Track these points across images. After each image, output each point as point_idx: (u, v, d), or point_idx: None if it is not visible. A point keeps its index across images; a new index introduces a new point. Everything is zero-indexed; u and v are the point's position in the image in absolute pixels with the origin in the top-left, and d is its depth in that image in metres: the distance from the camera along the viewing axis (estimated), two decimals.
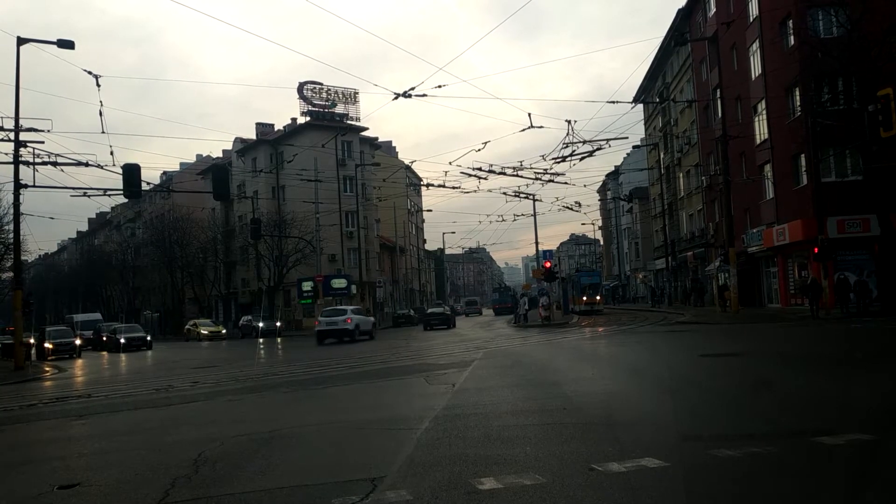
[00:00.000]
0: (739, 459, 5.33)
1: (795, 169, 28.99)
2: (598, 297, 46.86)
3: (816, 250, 24.81)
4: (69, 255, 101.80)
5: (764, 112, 31.73)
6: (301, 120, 55.98)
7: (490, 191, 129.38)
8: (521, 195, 33.05)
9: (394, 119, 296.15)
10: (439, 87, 23.07)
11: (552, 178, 27.50)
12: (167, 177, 67.70)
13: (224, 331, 48.83)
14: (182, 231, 61.55)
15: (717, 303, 35.54)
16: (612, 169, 78.85)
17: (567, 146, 24.79)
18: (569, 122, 24.35)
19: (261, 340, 40.69)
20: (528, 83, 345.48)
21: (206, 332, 46.75)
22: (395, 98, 21.92)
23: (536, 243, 41.94)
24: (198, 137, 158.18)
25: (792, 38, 28.16)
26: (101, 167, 22.15)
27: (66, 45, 22.46)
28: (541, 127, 24.57)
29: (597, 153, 25.04)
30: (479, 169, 26.22)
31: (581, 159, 25.18)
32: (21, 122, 22.39)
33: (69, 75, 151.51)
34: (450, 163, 31.98)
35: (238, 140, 62.12)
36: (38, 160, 22.12)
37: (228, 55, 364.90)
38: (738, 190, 32.45)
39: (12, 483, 6.45)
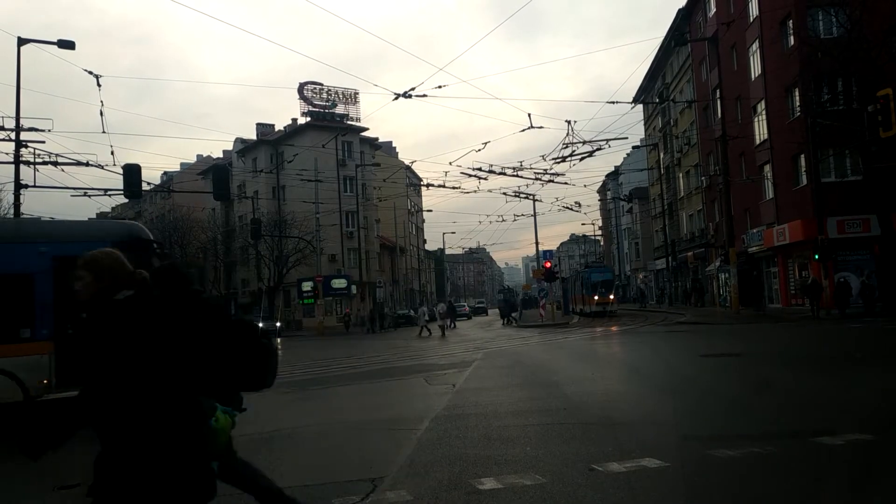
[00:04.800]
0: (739, 459, 5.33)
1: (795, 169, 28.98)
2: (611, 297, 40.12)
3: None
4: None
5: (764, 112, 31.72)
6: (301, 120, 56.00)
7: (490, 191, 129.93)
8: (521, 195, 33.10)
9: (394, 119, 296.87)
10: (439, 87, 23.21)
11: (552, 178, 27.54)
12: (167, 177, 67.77)
13: None
14: (182, 231, 61.47)
15: (718, 302, 35.54)
16: (612, 169, 78.85)
17: (567, 146, 24.82)
18: (569, 122, 24.42)
19: None
20: (528, 83, 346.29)
21: None
22: (396, 98, 21.91)
23: (536, 243, 41.94)
24: (198, 137, 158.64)
25: (792, 38, 28.15)
26: (102, 167, 22.15)
27: (67, 45, 22.41)
28: (541, 127, 24.64)
29: (596, 153, 25.09)
30: (479, 169, 26.26)
31: (581, 159, 25.23)
32: (22, 121, 22.35)
33: (69, 75, 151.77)
34: (450, 163, 32.09)
35: (238, 140, 62.14)
36: (38, 160, 22.07)
37: (228, 55, 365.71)
38: (737, 190, 32.44)
39: (12, 483, 6.44)
